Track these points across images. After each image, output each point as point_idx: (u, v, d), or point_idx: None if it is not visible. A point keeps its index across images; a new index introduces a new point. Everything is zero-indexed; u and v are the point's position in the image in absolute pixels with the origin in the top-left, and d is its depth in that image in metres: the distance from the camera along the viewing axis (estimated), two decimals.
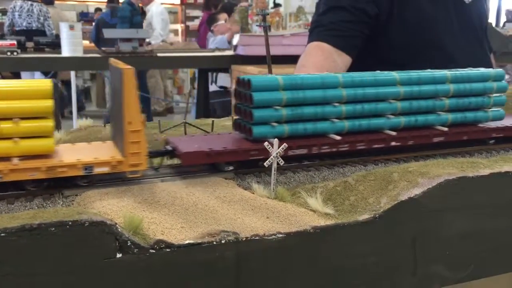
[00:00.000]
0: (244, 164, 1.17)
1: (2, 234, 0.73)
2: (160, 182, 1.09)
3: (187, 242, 0.83)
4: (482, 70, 1.46)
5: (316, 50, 2.48)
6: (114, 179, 1.08)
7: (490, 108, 1.46)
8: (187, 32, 12.60)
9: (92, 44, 7.67)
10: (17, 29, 7.10)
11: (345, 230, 0.92)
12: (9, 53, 4.66)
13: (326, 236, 0.91)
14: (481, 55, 2.64)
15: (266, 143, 1.05)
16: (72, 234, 0.76)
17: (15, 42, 4.76)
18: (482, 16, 2.69)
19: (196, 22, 12.98)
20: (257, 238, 0.86)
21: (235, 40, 5.43)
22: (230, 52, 5.69)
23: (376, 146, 1.27)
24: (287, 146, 1.06)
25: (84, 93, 10.06)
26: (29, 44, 5.28)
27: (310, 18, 6.87)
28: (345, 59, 2.45)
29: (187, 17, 13.14)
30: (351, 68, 2.49)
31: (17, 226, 0.74)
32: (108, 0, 8.74)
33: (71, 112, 6.71)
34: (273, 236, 0.87)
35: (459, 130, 1.38)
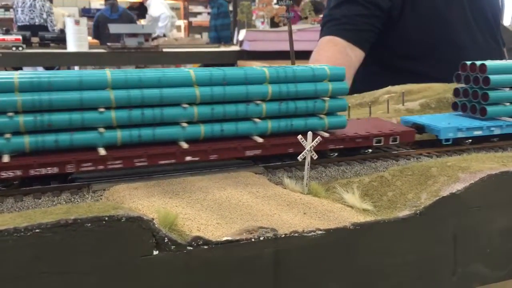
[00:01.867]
0: None
1: (36, 230, 0.69)
2: (190, 176, 1.05)
3: (224, 239, 0.79)
4: (314, 67, 1.17)
5: (329, 44, 2.45)
6: (142, 173, 1.04)
7: (326, 114, 1.19)
8: (190, 28, 12.54)
9: (95, 40, 7.63)
10: (19, 24, 7.04)
11: (386, 226, 0.89)
12: (14, 48, 4.63)
13: (366, 233, 0.87)
14: (495, 49, 2.60)
15: (299, 136, 1.01)
16: (109, 230, 0.73)
17: (20, 37, 4.72)
18: (495, 9, 2.66)
19: (199, 18, 12.94)
20: (296, 234, 0.83)
21: (241, 36, 5.39)
22: (236, 48, 5.66)
23: (162, 162, 1.04)
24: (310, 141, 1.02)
25: None
26: (34, 39, 5.24)
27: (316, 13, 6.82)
28: (358, 53, 2.42)
29: (190, 13, 13.07)
30: (365, 63, 2.46)
31: (52, 222, 0.70)
32: None
33: None
34: (312, 233, 0.84)
35: (281, 142, 1.13)
